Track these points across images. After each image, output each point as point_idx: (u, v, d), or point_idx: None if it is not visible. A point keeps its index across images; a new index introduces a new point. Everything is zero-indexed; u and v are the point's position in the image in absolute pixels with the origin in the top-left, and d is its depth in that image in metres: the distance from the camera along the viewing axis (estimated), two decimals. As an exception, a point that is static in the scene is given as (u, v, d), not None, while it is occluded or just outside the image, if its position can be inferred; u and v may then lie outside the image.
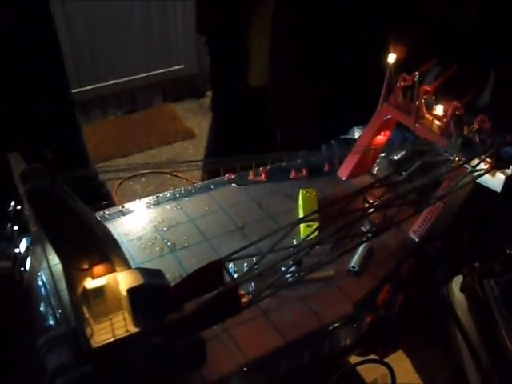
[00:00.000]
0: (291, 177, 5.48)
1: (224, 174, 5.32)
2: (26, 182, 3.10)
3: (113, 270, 3.07)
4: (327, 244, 3.35)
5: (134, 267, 3.20)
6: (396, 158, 5.23)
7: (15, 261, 5.45)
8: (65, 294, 3.45)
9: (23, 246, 5.70)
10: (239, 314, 3.43)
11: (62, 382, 3.06)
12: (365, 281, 4.15)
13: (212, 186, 5.40)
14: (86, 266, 3.02)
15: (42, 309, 4.27)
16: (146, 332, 2.99)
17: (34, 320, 4.36)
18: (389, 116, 4.81)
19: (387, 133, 4.96)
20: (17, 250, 5.55)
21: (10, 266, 5.16)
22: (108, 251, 3.03)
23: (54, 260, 3.52)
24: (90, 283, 3.09)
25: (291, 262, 3.20)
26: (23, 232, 4.98)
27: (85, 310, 3.08)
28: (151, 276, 3.20)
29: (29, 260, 5.00)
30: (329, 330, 3.78)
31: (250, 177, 5.37)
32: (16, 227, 5.07)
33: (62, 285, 3.44)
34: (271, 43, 6.55)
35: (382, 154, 5.36)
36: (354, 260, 4.23)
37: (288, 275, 3.34)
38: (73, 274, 2.98)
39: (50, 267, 3.39)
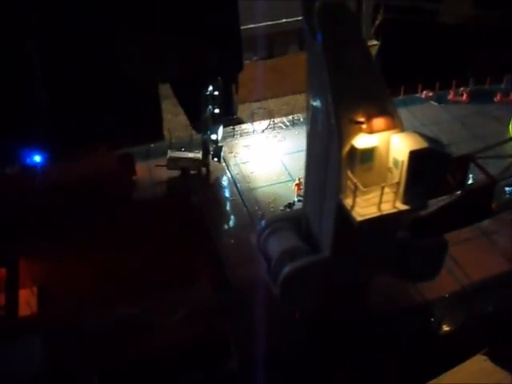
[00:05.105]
0: (496, 100, 4.79)
1: (421, 92, 4.85)
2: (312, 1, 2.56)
3: (394, 127, 2.39)
4: None
5: (411, 130, 2.56)
6: None
7: (206, 150, 5.28)
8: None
9: (220, 133, 5.54)
10: (457, 233, 2.87)
11: (291, 269, 2.53)
12: None
13: (407, 102, 4.87)
14: (361, 119, 2.39)
15: (227, 207, 4.03)
16: (416, 210, 2.35)
17: (220, 216, 4.09)
18: None
19: None
20: (214, 137, 5.41)
21: (199, 158, 4.90)
22: (390, 104, 2.37)
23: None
24: (360, 141, 2.46)
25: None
26: (219, 119, 4.80)
27: (349, 175, 2.46)
28: (432, 141, 2.53)
29: (223, 151, 4.76)
30: None
31: (450, 96, 4.76)
32: (217, 110, 4.82)
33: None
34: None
35: None
36: None
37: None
38: (344, 126, 2.35)
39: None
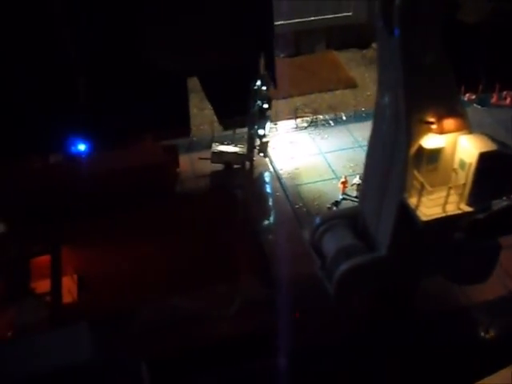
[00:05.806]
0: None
1: (464, 94, 4.90)
2: None
3: (465, 128, 2.41)
4: None
5: (479, 132, 2.58)
6: None
7: (252, 144, 5.34)
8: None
9: (267, 128, 5.64)
10: (502, 238, 2.92)
11: (348, 267, 2.59)
12: None
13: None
14: (431, 119, 2.42)
15: (272, 202, 4.13)
16: (480, 212, 2.41)
17: (265, 212, 4.15)
18: None
19: None
20: (261, 132, 5.54)
21: (244, 152, 4.97)
22: (459, 105, 2.38)
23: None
24: (429, 141, 2.50)
25: None
26: (265, 115, 4.91)
27: (415, 175, 2.51)
28: (500, 144, 2.57)
29: (269, 146, 4.86)
30: None
31: (493, 100, 4.80)
32: (266, 106, 4.94)
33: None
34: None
35: None
36: None
37: None
38: (414, 126, 2.38)
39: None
